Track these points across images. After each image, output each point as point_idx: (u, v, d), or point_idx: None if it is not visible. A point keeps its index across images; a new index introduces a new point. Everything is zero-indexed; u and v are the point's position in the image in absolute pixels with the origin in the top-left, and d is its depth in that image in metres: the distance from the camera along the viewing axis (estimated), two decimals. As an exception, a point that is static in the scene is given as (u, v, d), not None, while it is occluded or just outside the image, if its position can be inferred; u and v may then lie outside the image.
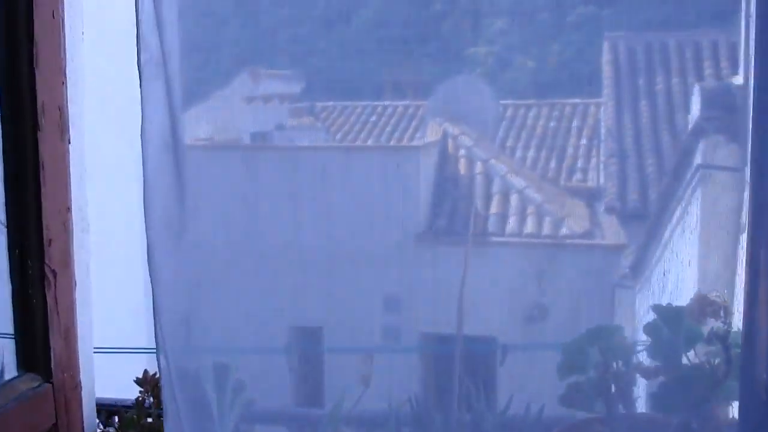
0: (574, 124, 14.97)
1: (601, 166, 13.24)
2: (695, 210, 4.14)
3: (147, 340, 10.49)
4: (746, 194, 3.91)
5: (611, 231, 10.27)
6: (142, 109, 10.21)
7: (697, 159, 4.06)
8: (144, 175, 10.59)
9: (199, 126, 11.90)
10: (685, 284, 4.45)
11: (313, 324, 10.95)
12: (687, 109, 13.95)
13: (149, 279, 10.63)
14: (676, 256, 4.92)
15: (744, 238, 3.91)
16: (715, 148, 3.94)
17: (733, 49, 13.25)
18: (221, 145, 11.24)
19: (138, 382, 4.74)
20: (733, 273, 4.00)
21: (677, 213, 4.66)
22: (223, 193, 10.82)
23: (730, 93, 3.98)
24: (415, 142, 14.00)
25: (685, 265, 4.55)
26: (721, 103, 3.95)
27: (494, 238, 10.31)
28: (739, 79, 3.97)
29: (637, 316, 6.99)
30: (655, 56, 14.31)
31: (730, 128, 3.91)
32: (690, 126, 4.17)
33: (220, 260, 10.96)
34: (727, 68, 13.47)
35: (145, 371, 4.96)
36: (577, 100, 15.31)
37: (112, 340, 10.69)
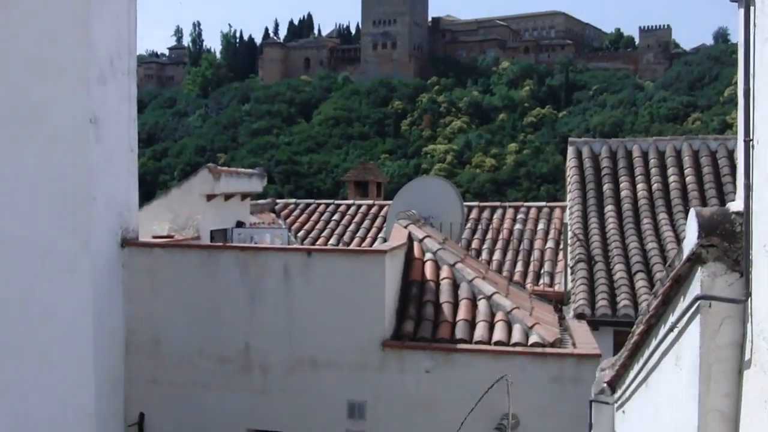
0: (540, 226, 14.80)
1: (569, 271, 12.92)
2: (691, 342, 3.87)
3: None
4: (749, 327, 3.69)
5: (583, 339, 9.88)
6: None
7: (695, 288, 3.80)
8: (94, 273, 10.00)
9: (158, 222, 11.45)
10: (678, 424, 4.16)
11: (273, 428, 10.47)
12: (653, 214, 13.72)
13: (98, 381, 9.92)
14: (664, 385, 4.66)
15: (748, 376, 3.66)
16: (714, 278, 3.69)
17: (694, 157, 13.08)
18: (181, 244, 10.82)
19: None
20: (737, 412, 3.73)
21: (668, 340, 4.41)
22: (182, 293, 10.40)
23: (729, 220, 3.75)
24: (380, 246, 13.66)
25: (675, 402, 4.27)
26: (720, 229, 3.71)
27: (462, 346, 9.94)
28: (737, 205, 3.77)
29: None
30: (619, 161, 14.16)
31: (729, 257, 3.69)
32: (685, 252, 3.92)
33: (178, 360, 10.51)
34: (692, 174, 13.26)
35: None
36: (541, 203, 15.22)
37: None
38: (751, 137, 3.62)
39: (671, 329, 4.29)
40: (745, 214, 3.64)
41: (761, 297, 3.46)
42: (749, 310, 3.60)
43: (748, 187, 3.63)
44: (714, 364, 3.73)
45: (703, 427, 3.76)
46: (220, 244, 12.70)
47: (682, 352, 4.13)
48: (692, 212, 3.87)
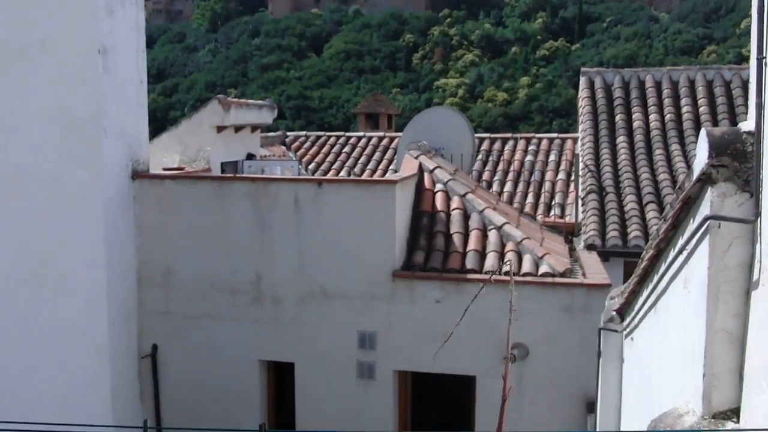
0: (551, 158, 14.78)
1: (580, 202, 12.91)
2: (700, 263, 3.85)
3: (111, 375, 9.97)
4: (758, 248, 3.69)
5: (593, 269, 9.90)
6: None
7: (704, 209, 3.77)
8: (105, 204, 10.05)
9: (168, 154, 11.44)
10: (685, 347, 4.17)
11: (284, 359, 10.59)
12: (666, 145, 13.65)
13: (111, 312, 10.02)
14: (672, 309, 4.66)
15: (755, 296, 3.64)
16: (723, 198, 3.66)
17: (708, 87, 12.96)
18: (191, 176, 10.82)
19: None
20: (744, 333, 3.72)
21: (677, 263, 4.40)
22: (193, 225, 10.43)
23: (740, 139, 3.70)
24: (390, 176, 13.66)
25: (683, 325, 4.27)
26: (731, 149, 3.66)
27: (472, 276, 9.98)
28: (748, 125, 3.72)
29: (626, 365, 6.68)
30: (632, 92, 14.04)
31: (740, 177, 3.64)
32: (695, 173, 3.88)
33: (190, 291, 10.58)
34: (705, 105, 13.16)
35: None
36: (553, 135, 15.18)
37: (74, 377, 10.28)
38: (764, 55, 3.56)
39: (680, 252, 4.27)
40: (757, 134, 3.59)
41: (771, 216, 3.44)
42: (758, 230, 3.58)
43: (760, 106, 3.58)
44: (722, 284, 3.72)
45: (710, 347, 3.76)
46: (231, 175, 12.70)
47: (691, 275, 4.12)
48: (703, 132, 3.82)
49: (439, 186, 11.74)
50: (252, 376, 11.04)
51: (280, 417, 11.45)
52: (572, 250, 12.34)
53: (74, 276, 10.32)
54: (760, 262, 3.53)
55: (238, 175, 12.59)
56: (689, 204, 4.13)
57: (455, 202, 11.46)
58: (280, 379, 11.31)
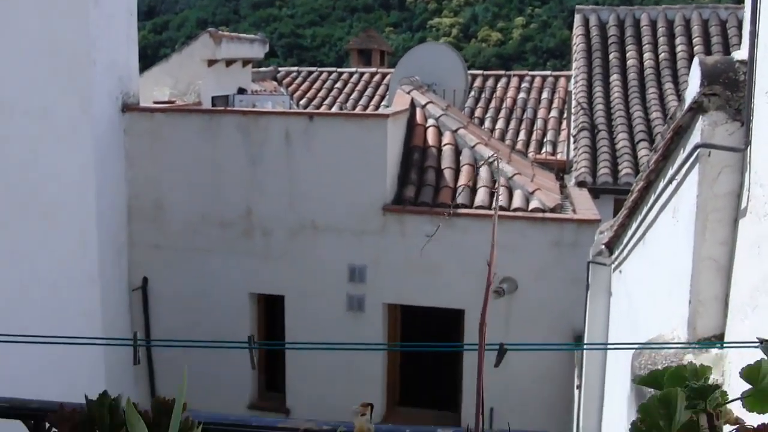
0: (544, 96, 14.74)
1: (572, 139, 12.93)
2: (689, 192, 3.86)
3: (102, 307, 9.99)
4: (747, 176, 3.69)
5: (583, 205, 9.94)
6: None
7: (695, 137, 3.76)
8: (95, 136, 9.99)
9: (159, 88, 11.33)
10: (672, 276, 4.20)
11: (274, 291, 10.61)
12: (659, 83, 13.61)
13: (102, 245, 10.02)
14: (661, 240, 4.68)
15: (743, 224, 3.65)
16: (714, 127, 3.65)
17: (704, 26, 12.92)
18: (182, 109, 10.74)
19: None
20: (731, 261, 3.74)
21: (666, 193, 4.41)
22: (184, 158, 10.39)
23: (732, 68, 3.68)
24: (382, 111, 13.56)
25: (670, 254, 4.29)
26: (723, 78, 3.65)
27: (463, 210, 10.01)
28: (741, 54, 3.69)
29: (613, 298, 6.74)
30: (627, 30, 14.00)
31: (731, 105, 3.63)
32: (687, 102, 3.86)
33: (181, 225, 10.58)
34: (700, 44, 13.14)
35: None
36: (546, 72, 15.13)
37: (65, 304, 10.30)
38: (759, -18, 3.52)
39: (670, 181, 4.28)
40: (750, 63, 3.57)
41: (761, 145, 3.44)
42: (748, 159, 3.58)
43: (753, 35, 3.55)
44: (711, 213, 3.73)
45: (696, 275, 3.79)
46: (222, 108, 12.63)
47: (680, 204, 4.14)
48: (696, 61, 3.81)
49: (430, 121, 11.71)
50: (242, 309, 11.11)
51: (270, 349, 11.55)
52: (563, 187, 12.37)
53: (64, 208, 10.31)
54: (749, 191, 3.54)
55: (228, 108, 12.53)
56: (680, 134, 4.12)
57: (447, 138, 11.44)
58: (271, 311, 11.40)
